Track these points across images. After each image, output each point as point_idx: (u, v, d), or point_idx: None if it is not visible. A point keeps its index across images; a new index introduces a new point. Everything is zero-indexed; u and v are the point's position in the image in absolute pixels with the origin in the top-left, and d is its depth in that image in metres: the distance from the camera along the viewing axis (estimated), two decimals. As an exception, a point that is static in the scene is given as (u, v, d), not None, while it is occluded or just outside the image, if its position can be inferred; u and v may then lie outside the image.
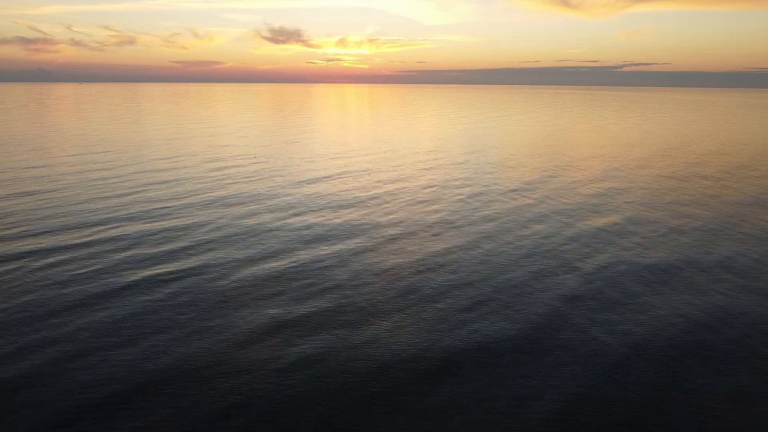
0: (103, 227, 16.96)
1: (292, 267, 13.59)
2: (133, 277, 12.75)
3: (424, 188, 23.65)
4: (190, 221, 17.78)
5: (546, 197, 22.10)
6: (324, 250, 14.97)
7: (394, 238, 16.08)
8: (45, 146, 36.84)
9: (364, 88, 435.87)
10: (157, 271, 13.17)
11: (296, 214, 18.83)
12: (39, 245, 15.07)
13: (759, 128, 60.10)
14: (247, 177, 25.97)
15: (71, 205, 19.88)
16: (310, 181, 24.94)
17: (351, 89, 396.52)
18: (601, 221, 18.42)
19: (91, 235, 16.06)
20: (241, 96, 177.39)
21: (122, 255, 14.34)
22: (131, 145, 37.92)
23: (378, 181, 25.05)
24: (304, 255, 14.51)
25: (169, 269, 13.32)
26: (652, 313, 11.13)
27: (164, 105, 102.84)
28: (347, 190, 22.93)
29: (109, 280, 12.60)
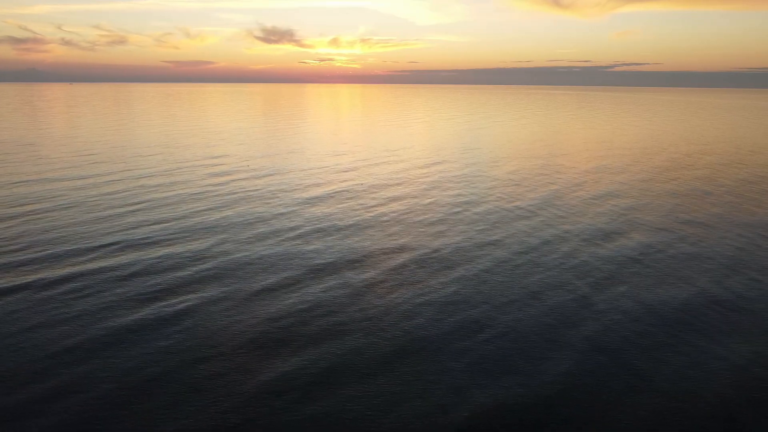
0: (100, 253, 16.30)
1: (298, 304, 13.00)
2: (134, 316, 12.12)
3: (428, 206, 23.12)
4: (192, 247, 17.15)
5: (555, 216, 21.59)
6: (329, 281, 14.39)
7: (399, 268, 15.51)
8: (38, 155, 36.04)
9: (357, 89, 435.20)
10: (159, 306, 12.55)
11: (299, 237, 18.24)
12: (32, 276, 14.41)
13: None
14: (248, 193, 25.35)
15: (66, 227, 19.20)
16: (313, 200, 24.36)
17: (344, 90, 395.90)
18: (614, 245, 17.90)
19: (87, 263, 15.40)
20: (235, 97, 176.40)
21: (121, 288, 13.70)
22: (127, 155, 37.17)
23: (382, 198, 24.51)
24: (310, 289, 13.92)
25: (171, 304, 12.71)
26: (693, 358, 10.63)
27: (158, 108, 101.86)
28: (351, 210, 22.37)
29: (110, 318, 11.97)
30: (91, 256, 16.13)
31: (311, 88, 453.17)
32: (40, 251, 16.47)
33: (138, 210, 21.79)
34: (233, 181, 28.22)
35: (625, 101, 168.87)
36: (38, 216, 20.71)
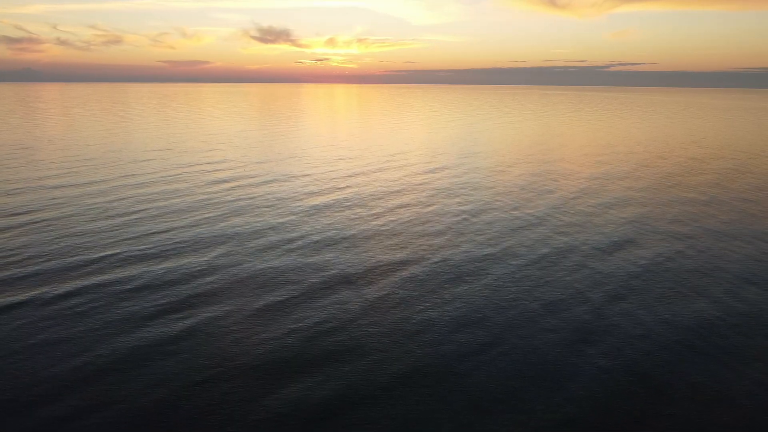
0: (101, 266, 15.93)
1: (304, 319, 12.69)
2: (137, 334, 11.76)
3: (432, 215, 22.82)
4: (194, 259, 16.80)
5: (562, 225, 21.31)
6: (336, 296, 14.07)
7: (406, 281, 15.20)
8: (36, 160, 35.61)
9: (353, 89, 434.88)
10: (163, 323, 12.22)
11: (302, 248, 17.92)
12: (31, 293, 14.05)
13: None
14: (249, 202, 25.02)
15: (65, 238, 18.84)
16: (315, 208, 24.05)
17: (341, 90, 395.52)
18: (623, 255, 17.60)
19: (88, 277, 15.03)
20: (232, 98, 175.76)
21: (122, 305, 13.35)
22: (126, 160, 36.77)
23: (385, 207, 24.21)
24: (316, 304, 13.60)
25: (175, 320, 12.38)
26: (713, 375, 10.35)
27: (155, 109, 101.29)
28: (354, 219, 22.07)
29: (112, 337, 11.63)
30: (91, 268, 15.77)
31: (308, 89, 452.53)
32: (38, 265, 16.11)
33: (138, 219, 21.44)
34: (234, 188, 27.88)
35: (622, 102, 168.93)
36: (35, 226, 20.34)
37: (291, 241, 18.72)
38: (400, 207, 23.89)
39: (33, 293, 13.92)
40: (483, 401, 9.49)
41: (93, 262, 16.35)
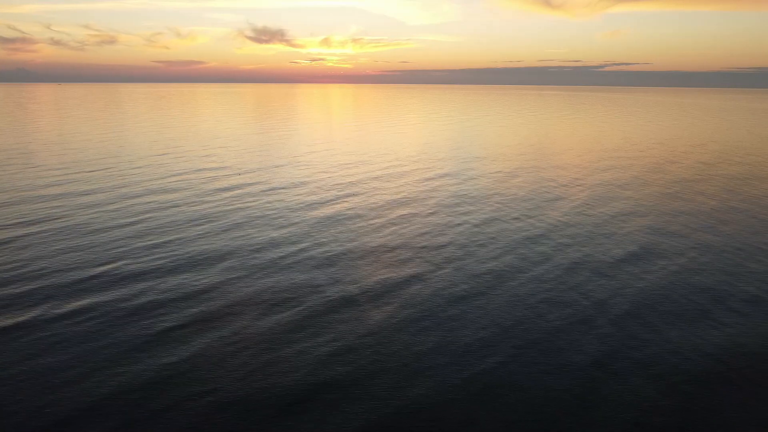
0: (95, 284, 15.41)
1: (309, 337, 12.21)
2: (135, 366, 11.26)
3: (438, 227, 22.38)
4: (193, 276, 16.29)
5: (575, 235, 20.89)
6: (344, 314, 13.60)
7: (415, 298, 14.74)
8: (30, 167, 34.98)
9: (349, 89, 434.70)
10: (163, 349, 11.71)
11: (306, 263, 17.44)
12: (18, 318, 13.51)
13: None
14: (250, 212, 24.53)
15: (55, 255, 18.27)
16: (317, 220, 23.60)
17: (336, 90, 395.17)
18: (635, 271, 17.17)
19: (82, 298, 14.50)
20: (228, 98, 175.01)
21: (118, 327, 12.82)
22: (124, 167, 36.20)
23: (387, 218, 23.77)
24: (324, 325, 13.13)
25: (176, 342, 11.87)
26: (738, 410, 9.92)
27: (152, 111, 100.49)
28: (356, 231, 21.61)
29: (108, 368, 11.12)
30: (89, 284, 15.23)
31: (303, 89, 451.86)
32: (34, 282, 15.56)
33: (137, 231, 20.91)
34: (234, 198, 27.35)
35: (619, 103, 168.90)
36: (32, 239, 19.78)
37: (294, 254, 18.23)
38: (404, 217, 23.43)
39: (29, 315, 13.37)
40: (517, 426, 9.02)
41: (91, 278, 15.82)
